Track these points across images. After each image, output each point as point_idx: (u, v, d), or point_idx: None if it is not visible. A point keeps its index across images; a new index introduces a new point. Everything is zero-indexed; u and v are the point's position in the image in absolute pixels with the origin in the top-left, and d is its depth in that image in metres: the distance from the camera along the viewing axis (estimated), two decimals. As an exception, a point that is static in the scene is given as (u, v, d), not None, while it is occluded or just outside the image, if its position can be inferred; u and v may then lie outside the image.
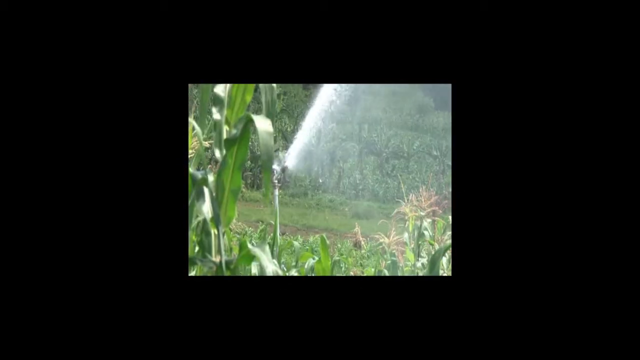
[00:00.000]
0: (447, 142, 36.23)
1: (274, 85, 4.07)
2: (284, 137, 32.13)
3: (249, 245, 4.29)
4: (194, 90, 4.71)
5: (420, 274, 8.51)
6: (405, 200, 9.22)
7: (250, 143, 4.16)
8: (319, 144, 32.55)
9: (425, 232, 8.89)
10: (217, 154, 4.09)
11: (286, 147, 27.89)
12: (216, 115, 4.09)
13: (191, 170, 4.15)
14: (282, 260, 7.82)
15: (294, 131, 29.97)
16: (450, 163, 35.36)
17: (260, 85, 3.98)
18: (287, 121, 34.14)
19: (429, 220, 9.07)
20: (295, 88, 37.49)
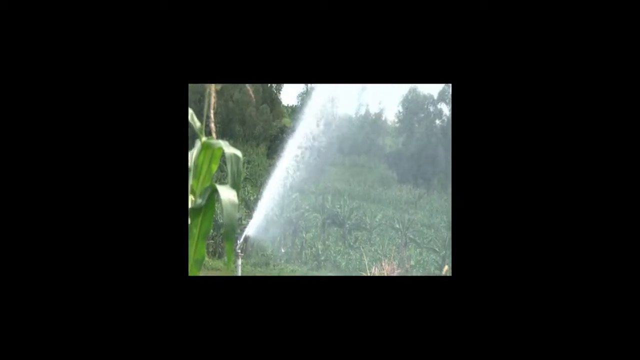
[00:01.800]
0: (409, 216, 36.41)
1: (240, 155, 4.06)
2: (247, 205, 32.10)
3: None
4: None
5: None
6: (368, 273, 9.16)
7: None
8: (282, 214, 32.54)
9: (388, 305, 8.84)
10: None
11: (249, 216, 27.82)
12: None
13: None
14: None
15: (257, 200, 29.97)
16: (412, 236, 35.54)
17: (227, 154, 3.97)
18: (250, 190, 34.19)
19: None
20: (259, 157, 37.63)
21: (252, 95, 38.68)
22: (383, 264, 9.21)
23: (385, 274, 8.84)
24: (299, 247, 33.82)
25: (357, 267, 30.31)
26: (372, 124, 44.49)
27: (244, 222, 25.78)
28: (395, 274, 8.92)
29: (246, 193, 32.58)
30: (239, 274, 15.25)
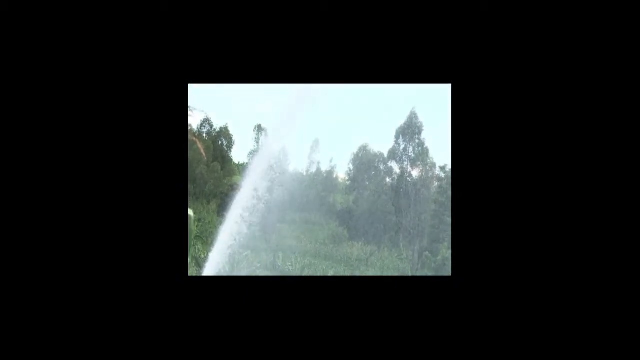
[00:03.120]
0: (360, 272, 36.25)
1: (192, 214, 4.09)
2: (198, 263, 31.73)
3: None
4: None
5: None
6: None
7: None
8: (233, 271, 32.22)
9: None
10: None
11: (200, 274, 27.47)
12: None
13: None
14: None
15: (208, 258, 29.62)
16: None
17: None
18: (201, 248, 33.83)
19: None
20: (210, 214, 37.34)
21: (204, 153, 38.60)
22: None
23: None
24: (251, 305, 33.37)
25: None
26: (323, 181, 44.62)
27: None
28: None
29: (197, 251, 32.21)
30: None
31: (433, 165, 39.32)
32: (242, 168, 41.84)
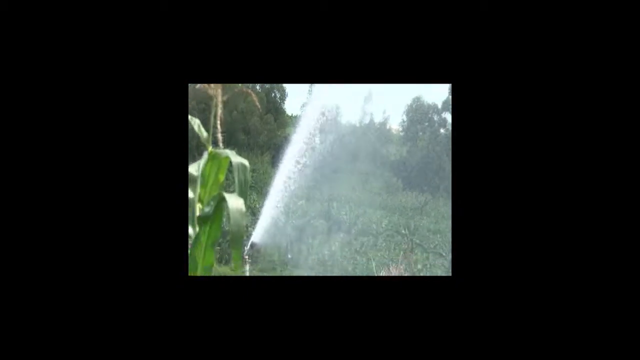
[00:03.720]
0: (415, 222, 36.15)
1: (247, 164, 4.07)
2: (253, 213, 32.02)
3: None
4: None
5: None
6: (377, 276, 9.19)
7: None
8: (288, 221, 32.43)
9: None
10: (190, 231, 4.15)
11: (255, 223, 27.68)
12: (190, 193, 4.13)
13: None
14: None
15: (263, 207, 29.83)
16: (418, 242, 35.32)
17: (234, 163, 3.98)
18: (256, 197, 34.02)
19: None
20: (264, 165, 37.57)
21: (259, 106, 38.70)
22: (390, 267, 9.27)
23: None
24: (306, 253, 33.48)
25: (364, 272, 29.97)
26: (376, 132, 44.43)
27: (250, 229, 25.71)
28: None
29: (252, 201, 32.39)
30: (248, 279, 15.32)
31: (487, 116, 39.04)
32: (295, 120, 41.80)
